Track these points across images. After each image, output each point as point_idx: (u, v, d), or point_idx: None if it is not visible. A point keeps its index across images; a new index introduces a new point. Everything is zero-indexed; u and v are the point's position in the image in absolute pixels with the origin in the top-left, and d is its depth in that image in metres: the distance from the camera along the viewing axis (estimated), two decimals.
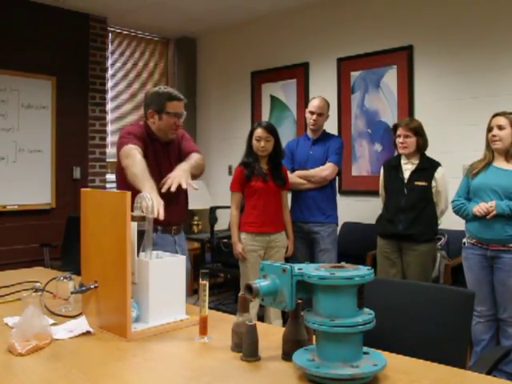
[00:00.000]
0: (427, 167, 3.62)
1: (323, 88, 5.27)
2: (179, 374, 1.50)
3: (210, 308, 1.83)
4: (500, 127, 3.24)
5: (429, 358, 1.59)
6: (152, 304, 1.87)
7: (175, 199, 2.78)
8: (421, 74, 4.72)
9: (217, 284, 5.84)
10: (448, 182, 3.66)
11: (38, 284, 2.40)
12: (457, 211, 3.40)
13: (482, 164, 3.33)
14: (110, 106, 5.98)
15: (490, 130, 3.30)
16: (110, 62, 6.00)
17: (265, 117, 5.84)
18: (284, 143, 4.26)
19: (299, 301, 1.53)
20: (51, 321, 1.89)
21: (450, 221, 3.81)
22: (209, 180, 6.38)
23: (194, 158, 2.82)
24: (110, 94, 5.98)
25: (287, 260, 3.87)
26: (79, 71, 5.56)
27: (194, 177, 2.75)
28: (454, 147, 4.33)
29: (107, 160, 5.79)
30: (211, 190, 6.24)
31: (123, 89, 6.17)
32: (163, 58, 6.62)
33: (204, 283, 1.76)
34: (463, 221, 3.42)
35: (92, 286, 1.90)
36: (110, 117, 5.97)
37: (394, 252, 3.65)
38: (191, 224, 6.07)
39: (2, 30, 5.00)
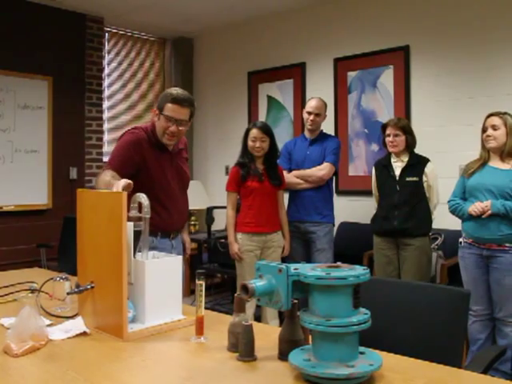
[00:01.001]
0: (417, 163, 3.70)
1: (320, 88, 5.28)
2: (175, 374, 1.50)
3: (206, 308, 1.83)
4: (494, 127, 3.25)
5: (425, 357, 1.59)
6: (148, 304, 1.87)
7: (181, 201, 2.87)
8: (417, 74, 4.73)
9: (214, 284, 5.83)
10: (438, 177, 3.74)
11: (35, 284, 2.39)
12: (453, 211, 3.41)
13: (477, 164, 3.34)
14: (106, 106, 5.96)
15: (484, 130, 3.32)
16: (106, 62, 5.98)
17: (262, 117, 5.84)
18: (281, 143, 4.27)
19: (295, 301, 1.53)
20: (47, 321, 1.89)
21: (446, 221, 3.83)
22: (206, 180, 6.38)
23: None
24: (106, 94, 5.97)
25: (284, 260, 3.88)
26: (76, 71, 5.55)
27: None
28: (451, 147, 4.34)
29: (104, 160, 5.78)
30: (208, 190, 6.24)
31: (119, 89, 6.15)
32: (160, 58, 6.61)
33: (200, 283, 1.76)
34: (459, 220, 3.43)
35: (88, 287, 1.90)
36: (106, 117, 5.95)
37: (391, 249, 3.69)
38: (188, 224, 6.07)
39: None
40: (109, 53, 6.06)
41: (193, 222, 6.11)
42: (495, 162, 3.29)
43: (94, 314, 1.90)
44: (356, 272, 1.41)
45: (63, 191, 5.30)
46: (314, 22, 5.42)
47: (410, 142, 3.72)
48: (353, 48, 5.10)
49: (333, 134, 4.92)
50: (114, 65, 6.11)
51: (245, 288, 1.45)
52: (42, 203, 5.24)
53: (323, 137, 4.16)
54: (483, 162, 3.33)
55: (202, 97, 6.52)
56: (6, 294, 2.33)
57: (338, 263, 1.50)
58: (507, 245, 3.15)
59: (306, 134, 4.19)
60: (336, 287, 1.38)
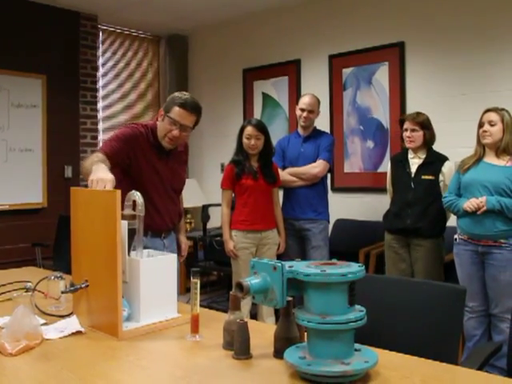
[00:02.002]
0: (434, 161, 3.63)
1: (315, 85, 5.27)
2: (171, 372, 1.49)
3: (202, 306, 1.83)
4: (491, 123, 3.24)
5: (420, 354, 1.59)
6: (143, 303, 1.86)
7: (174, 202, 2.86)
8: (412, 71, 4.72)
9: (210, 282, 5.83)
10: None
11: (29, 284, 2.38)
12: (448, 207, 3.40)
13: (472, 160, 3.33)
14: (101, 104, 5.95)
15: (481, 125, 3.31)
16: (100, 60, 5.96)
17: (257, 114, 5.83)
18: (276, 140, 4.27)
19: (290, 298, 1.53)
20: (42, 320, 1.88)
21: None
22: (201, 178, 6.37)
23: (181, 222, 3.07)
24: (101, 93, 5.95)
25: (279, 257, 3.87)
26: (70, 70, 5.52)
27: None
28: (446, 143, 4.32)
29: None
30: (203, 187, 6.23)
31: (114, 87, 6.13)
32: (154, 56, 6.59)
33: (195, 281, 1.76)
34: (454, 217, 3.43)
35: (83, 286, 1.89)
36: (101, 115, 5.94)
37: (402, 247, 3.65)
38: (184, 223, 6.05)
39: None
40: (104, 51, 6.04)
41: (188, 220, 6.10)
42: (490, 158, 3.29)
43: (88, 312, 1.90)
44: (351, 269, 1.40)
45: (58, 190, 5.28)
46: (308, 19, 5.41)
47: (428, 138, 3.63)
48: (348, 45, 5.09)
49: (328, 131, 4.91)
50: (108, 63, 6.09)
51: (240, 286, 1.45)
52: (36, 202, 5.22)
53: (317, 133, 4.15)
54: (478, 158, 3.32)
55: (196, 94, 6.48)
56: (1, 294, 2.32)
57: (334, 260, 1.50)
58: (502, 241, 3.15)
59: (300, 130, 4.18)
60: (331, 284, 1.38)
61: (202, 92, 6.46)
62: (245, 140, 3.74)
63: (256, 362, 1.56)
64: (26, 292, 2.33)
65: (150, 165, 2.67)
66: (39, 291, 2.23)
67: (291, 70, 5.56)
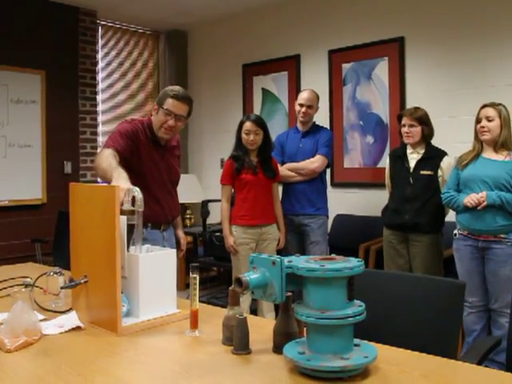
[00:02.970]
0: (433, 156, 3.62)
1: (315, 80, 5.26)
2: (170, 368, 1.49)
3: (202, 301, 1.83)
4: (488, 118, 3.24)
5: (420, 349, 1.59)
6: (142, 298, 1.86)
7: (172, 195, 2.93)
8: (412, 66, 4.71)
9: (209, 277, 5.83)
10: None
11: (29, 279, 2.38)
12: (447, 203, 3.39)
13: (471, 155, 3.33)
14: (100, 99, 5.93)
15: (478, 121, 3.30)
16: (100, 55, 5.95)
17: (256, 110, 5.83)
18: (275, 136, 4.26)
19: (289, 293, 1.53)
20: (41, 316, 1.87)
21: None
22: (201, 173, 6.37)
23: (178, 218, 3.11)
24: (100, 88, 5.94)
25: (279, 252, 3.87)
26: (69, 65, 5.51)
27: None
28: (446, 139, 4.32)
29: None
30: (203, 183, 6.23)
31: (114, 82, 6.13)
32: (154, 51, 6.58)
33: (194, 277, 1.76)
34: (453, 212, 3.42)
35: (82, 281, 1.89)
36: (100, 110, 5.92)
37: (401, 242, 3.65)
38: (184, 218, 6.05)
39: None
40: (103, 46, 6.02)
41: (188, 216, 6.10)
42: (489, 153, 3.28)
43: (87, 308, 1.89)
44: (350, 264, 1.40)
45: (58, 186, 5.26)
46: (308, 14, 5.39)
47: (427, 133, 3.62)
48: (347, 40, 5.08)
49: (328, 126, 4.90)
50: (107, 58, 6.07)
51: (239, 281, 1.45)
52: (36, 198, 5.21)
53: (316, 129, 4.15)
54: (477, 154, 3.32)
55: (196, 89, 6.50)
56: (0, 290, 2.32)
57: (333, 255, 1.49)
58: (503, 236, 3.15)
59: (299, 126, 4.18)
60: (330, 279, 1.38)
61: (201, 88, 6.45)
62: (244, 135, 3.73)
63: (255, 357, 1.56)
64: (25, 288, 2.32)
65: (150, 158, 2.76)
66: (38, 287, 2.23)
67: (291, 65, 5.55)
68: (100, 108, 5.91)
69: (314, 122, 4.17)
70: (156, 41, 6.60)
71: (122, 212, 1.83)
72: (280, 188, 4.10)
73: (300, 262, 1.43)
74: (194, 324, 1.76)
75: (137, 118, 2.91)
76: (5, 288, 2.34)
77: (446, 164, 3.61)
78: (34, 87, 5.19)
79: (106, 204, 1.78)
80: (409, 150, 3.70)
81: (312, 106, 4.06)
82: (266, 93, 5.81)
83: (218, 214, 4.40)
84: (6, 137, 5.00)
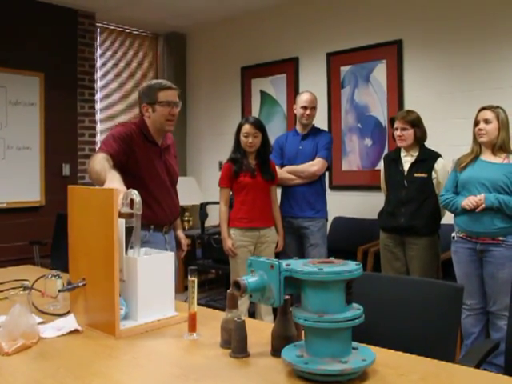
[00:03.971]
0: (427, 158, 3.62)
1: (313, 83, 5.26)
2: (168, 371, 1.49)
3: (201, 304, 1.83)
4: (486, 121, 3.25)
5: (418, 352, 1.59)
6: (141, 301, 1.86)
7: (172, 195, 2.91)
8: (410, 69, 4.72)
9: (208, 280, 5.83)
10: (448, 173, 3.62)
11: (26, 282, 2.38)
12: (445, 205, 3.40)
13: (469, 158, 3.33)
14: (99, 102, 5.93)
15: (476, 123, 3.31)
16: (98, 58, 5.95)
17: (255, 112, 5.83)
18: (274, 139, 4.26)
19: (288, 297, 1.53)
20: (39, 319, 1.87)
21: None
22: (199, 176, 6.37)
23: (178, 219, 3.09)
24: (98, 90, 5.94)
25: (277, 255, 3.87)
26: (67, 67, 5.51)
27: None
28: (444, 141, 4.33)
29: None
30: (201, 185, 6.23)
31: (112, 85, 6.12)
32: (152, 54, 6.58)
33: (192, 280, 1.75)
34: (451, 215, 3.42)
35: (80, 284, 1.88)
36: (99, 113, 5.93)
37: (397, 245, 3.65)
38: (182, 220, 6.05)
39: None
40: (101, 48, 6.02)
41: (186, 218, 6.10)
42: (487, 156, 3.29)
43: (85, 311, 1.89)
44: (348, 267, 1.40)
45: (56, 188, 5.26)
46: (306, 17, 5.40)
47: (419, 136, 3.63)
48: (345, 42, 5.08)
49: (326, 128, 4.91)
50: (106, 61, 6.07)
51: (237, 284, 1.45)
52: (34, 200, 5.21)
53: (315, 131, 4.15)
54: (475, 156, 3.32)
55: (195, 92, 6.50)
56: None
57: (331, 258, 1.49)
58: (501, 238, 3.15)
59: (298, 128, 4.18)
60: (328, 283, 1.38)
61: (200, 90, 6.45)
62: (242, 138, 3.73)
63: (253, 360, 1.56)
64: (23, 291, 2.32)
65: (147, 159, 2.74)
66: (36, 290, 2.22)
67: (289, 67, 5.56)
68: (99, 113, 5.90)
69: (314, 125, 4.18)
70: (155, 43, 6.61)
71: (120, 215, 1.83)
72: (279, 190, 4.10)
73: (298, 266, 1.43)
74: (192, 327, 1.76)
75: (128, 122, 2.90)
76: (2, 291, 2.33)
77: (440, 166, 3.61)
78: (33, 89, 5.19)
79: (104, 207, 1.78)
80: (402, 153, 3.71)
81: (315, 108, 4.08)
82: (264, 95, 5.81)
83: (216, 216, 4.40)
84: (4, 139, 4.99)
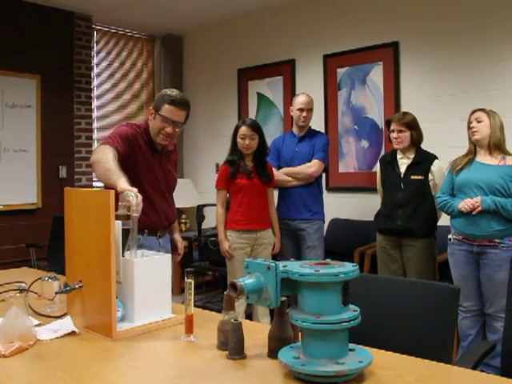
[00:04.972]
0: (423, 161, 3.62)
1: (310, 85, 5.27)
2: (165, 373, 1.49)
3: (197, 306, 1.83)
4: (478, 120, 3.27)
5: (415, 353, 1.59)
6: (137, 303, 1.86)
7: (168, 201, 2.88)
8: (407, 71, 4.73)
9: (205, 282, 5.82)
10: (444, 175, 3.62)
11: (23, 284, 2.38)
12: (441, 207, 3.40)
13: (465, 160, 3.34)
14: (95, 104, 5.93)
15: (469, 126, 3.33)
16: (95, 60, 5.95)
17: (252, 114, 5.83)
18: (271, 141, 4.27)
19: (284, 298, 1.53)
20: (35, 321, 1.87)
21: None
22: (196, 178, 6.37)
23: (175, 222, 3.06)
24: (95, 93, 5.94)
25: (274, 257, 3.87)
26: (64, 70, 5.50)
27: None
28: (441, 143, 4.34)
29: None
30: (198, 187, 6.23)
31: (109, 87, 6.12)
32: (149, 56, 6.58)
33: (189, 282, 1.75)
34: (448, 217, 3.43)
35: (76, 286, 1.88)
36: (95, 115, 5.92)
37: (394, 247, 3.64)
38: (179, 222, 6.04)
39: None
40: (99, 51, 6.02)
41: (183, 220, 6.09)
42: (483, 158, 3.29)
43: (82, 313, 1.89)
44: (345, 269, 1.40)
45: (53, 190, 5.25)
46: (303, 19, 5.41)
47: (416, 138, 3.62)
48: (342, 44, 5.09)
49: (323, 130, 4.91)
50: (102, 63, 6.07)
51: (234, 286, 1.45)
52: (31, 202, 5.20)
53: (312, 133, 4.16)
54: (471, 158, 3.33)
55: (191, 94, 6.49)
56: None
57: (328, 260, 1.50)
58: (497, 241, 3.15)
59: (295, 130, 4.18)
60: (325, 284, 1.38)
61: (196, 92, 6.45)
62: (239, 140, 3.74)
63: (250, 362, 1.56)
64: (19, 293, 2.32)
65: (146, 163, 2.70)
66: (33, 292, 2.22)
67: (286, 69, 5.56)
68: (95, 114, 5.90)
69: (310, 127, 4.18)
70: (151, 45, 6.60)
71: (117, 217, 1.83)
72: (276, 192, 4.10)
73: (295, 267, 1.43)
74: (189, 329, 1.76)
75: (134, 122, 2.81)
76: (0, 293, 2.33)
77: (437, 168, 3.62)
78: (30, 92, 5.18)
79: (101, 209, 1.78)
80: (399, 156, 3.71)
81: (311, 110, 4.08)
82: (261, 97, 5.82)
83: (213, 218, 4.40)
84: (1, 141, 4.98)
